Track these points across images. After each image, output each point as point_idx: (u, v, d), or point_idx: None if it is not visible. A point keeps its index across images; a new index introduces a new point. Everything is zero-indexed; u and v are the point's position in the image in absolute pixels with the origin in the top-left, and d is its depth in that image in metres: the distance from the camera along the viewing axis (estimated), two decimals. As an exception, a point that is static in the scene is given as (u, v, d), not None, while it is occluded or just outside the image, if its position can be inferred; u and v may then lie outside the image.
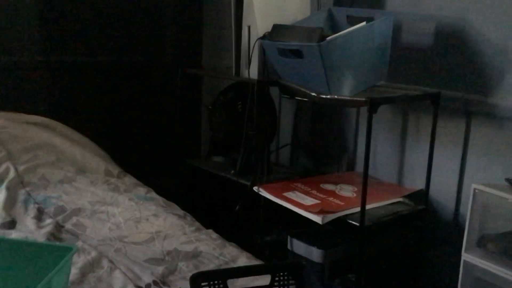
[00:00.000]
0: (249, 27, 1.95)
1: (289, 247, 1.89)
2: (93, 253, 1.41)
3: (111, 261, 1.39)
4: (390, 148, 2.02)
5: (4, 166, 1.93)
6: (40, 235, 1.52)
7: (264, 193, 1.90)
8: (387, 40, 1.77)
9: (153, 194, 1.95)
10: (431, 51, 1.85)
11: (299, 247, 1.85)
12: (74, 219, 1.67)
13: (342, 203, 1.77)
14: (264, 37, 1.85)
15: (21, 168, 1.94)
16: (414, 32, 1.89)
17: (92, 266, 1.36)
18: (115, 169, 2.16)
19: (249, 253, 1.52)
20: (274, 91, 2.19)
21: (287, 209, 1.78)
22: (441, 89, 1.79)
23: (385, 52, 1.78)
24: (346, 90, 1.69)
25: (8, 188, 1.81)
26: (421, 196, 1.84)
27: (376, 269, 1.82)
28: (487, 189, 1.44)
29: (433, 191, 1.85)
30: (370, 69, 1.76)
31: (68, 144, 2.17)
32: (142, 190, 1.99)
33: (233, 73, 2.09)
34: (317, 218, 1.66)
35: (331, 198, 1.82)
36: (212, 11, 2.81)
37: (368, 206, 1.65)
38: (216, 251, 1.50)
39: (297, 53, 1.69)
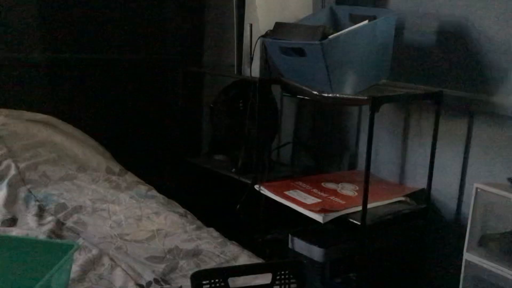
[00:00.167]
0: (251, 25, 1.94)
1: (290, 245, 1.89)
2: (94, 251, 1.41)
3: (112, 259, 1.38)
4: (392, 146, 2.02)
5: (5, 163, 1.92)
6: (41, 233, 1.52)
7: (265, 191, 1.90)
8: (390, 38, 1.77)
9: (154, 192, 1.95)
10: (434, 50, 1.84)
11: (300, 245, 1.85)
12: (75, 217, 1.67)
13: (344, 202, 1.76)
14: (266, 35, 1.84)
15: (22, 165, 1.94)
16: (417, 30, 1.88)
17: (93, 263, 1.35)
18: (116, 167, 2.16)
19: (250, 251, 1.52)
20: (276, 89, 2.18)
21: (288, 207, 1.78)
22: (443, 88, 1.79)
23: (388, 50, 1.78)
24: (348, 89, 1.69)
25: (9, 186, 1.80)
26: (423, 195, 1.84)
27: (377, 268, 1.82)
28: (489, 189, 1.43)
29: (435, 190, 1.85)
30: (373, 68, 1.76)
31: (69, 142, 2.17)
32: (143, 188, 1.98)
33: (235, 71, 2.09)
34: (318, 217, 1.66)
35: (332, 197, 1.82)
36: (214, 9, 2.81)
37: (369, 205, 1.65)
38: (217, 250, 1.49)
39: (299, 51, 1.68)
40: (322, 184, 1.95)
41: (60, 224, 1.61)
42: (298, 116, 2.41)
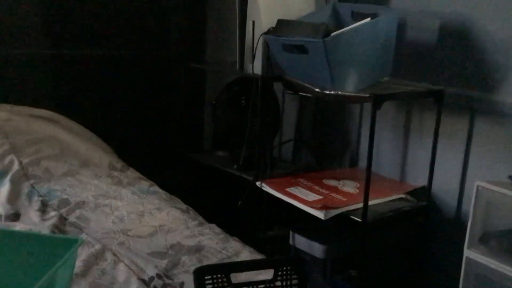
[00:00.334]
0: (253, 22, 1.94)
1: (291, 242, 1.90)
2: (97, 246, 1.42)
3: (114, 254, 1.39)
4: (393, 144, 2.02)
5: (8, 158, 1.93)
6: (44, 228, 1.53)
7: (266, 188, 1.91)
8: (392, 36, 1.77)
9: (156, 188, 1.96)
10: (436, 48, 1.85)
11: (301, 242, 1.86)
12: (78, 212, 1.68)
13: (345, 199, 1.77)
14: (268, 32, 1.84)
15: (25, 161, 1.95)
16: (419, 28, 1.89)
17: (96, 258, 1.36)
18: (118, 163, 2.17)
19: (251, 247, 1.53)
20: (278, 86, 2.19)
21: (289, 204, 1.79)
22: (445, 86, 1.79)
23: (390, 48, 1.78)
24: (350, 86, 1.69)
25: (12, 181, 1.81)
26: (424, 193, 1.84)
27: (378, 265, 1.83)
28: (490, 186, 1.44)
29: (436, 188, 1.85)
30: (374, 65, 1.76)
31: (72, 138, 2.18)
32: (145, 183, 1.99)
33: (237, 68, 2.09)
34: (319, 214, 1.66)
35: (333, 194, 1.82)
36: (216, 6, 2.81)
37: (370, 202, 1.65)
38: (219, 246, 1.50)
39: (301, 49, 1.69)
40: (324, 181, 1.96)
41: (63, 219, 1.62)
42: (300, 113, 2.41)
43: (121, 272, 1.31)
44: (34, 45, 2.41)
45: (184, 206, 1.81)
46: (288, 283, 1.18)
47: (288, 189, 1.86)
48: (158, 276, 1.31)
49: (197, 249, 1.47)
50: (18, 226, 1.55)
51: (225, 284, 1.14)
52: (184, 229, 1.60)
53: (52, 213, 1.65)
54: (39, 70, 2.43)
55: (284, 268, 1.17)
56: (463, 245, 1.51)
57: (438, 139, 1.79)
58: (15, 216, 1.63)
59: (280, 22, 1.81)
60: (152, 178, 2.09)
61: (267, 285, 1.17)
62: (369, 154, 1.62)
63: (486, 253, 1.45)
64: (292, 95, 2.35)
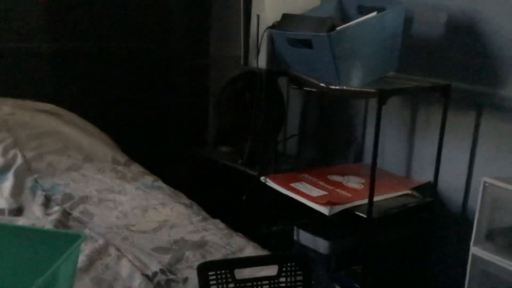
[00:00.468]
0: (258, 16, 1.93)
1: (295, 237, 1.89)
2: (101, 241, 1.41)
3: (118, 249, 1.39)
4: (399, 140, 2.01)
5: (11, 153, 1.93)
6: (47, 222, 1.52)
7: (271, 183, 1.90)
8: (398, 30, 1.75)
9: (160, 183, 1.95)
10: (442, 42, 1.83)
11: (305, 238, 1.85)
12: (82, 207, 1.67)
13: (350, 195, 1.76)
14: (273, 27, 1.83)
15: (28, 155, 1.94)
16: (425, 23, 1.87)
17: (99, 253, 1.36)
18: (122, 158, 2.16)
19: (255, 243, 1.52)
20: (283, 81, 2.17)
21: (294, 199, 1.78)
22: (451, 81, 1.77)
23: (396, 42, 1.77)
24: (355, 81, 1.68)
25: (15, 175, 1.81)
26: (430, 189, 1.83)
27: (382, 261, 1.82)
28: (497, 183, 1.42)
29: (442, 184, 1.84)
30: (380, 60, 1.75)
31: (76, 132, 2.17)
32: (149, 178, 1.99)
33: (241, 63, 2.08)
34: (324, 210, 1.65)
35: (338, 190, 1.81)
36: (221, 0, 2.79)
37: (375, 198, 1.64)
38: (222, 241, 1.50)
39: (306, 43, 1.67)
40: (328, 176, 1.95)
41: (66, 214, 1.62)
42: (305, 108, 2.40)
43: (125, 268, 1.30)
44: (37, 39, 2.40)
45: (188, 201, 1.81)
46: (293, 279, 1.17)
47: (292, 185, 1.85)
48: (162, 271, 1.30)
49: (201, 245, 1.46)
50: (21, 221, 1.54)
51: (229, 280, 1.13)
52: (188, 224, 1.59)
53: (56, 208, 1.64)
54: (42, 65, 2.42)
55: (289, 264, 1.17)
56: (469, 241, 1.50)
57: (444, 135, 1.78)
58: (19, 211, 1.62)
59: (285, 16, 1.80)
60: (156, 173, 2.08)
61: (271, 281, 1.16)
62: (374, 149, 1.60)
63: (492, 250, 1.44)
64: (296, 90, 2.33)
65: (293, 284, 1.17)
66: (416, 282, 1.91)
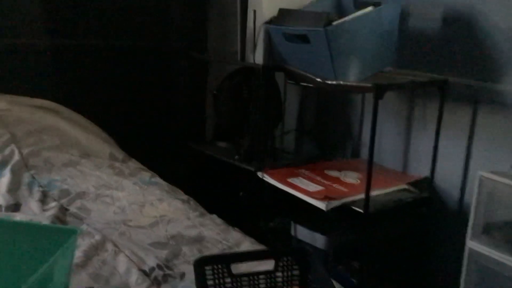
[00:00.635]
0: (254, 12, 1.93)
1: (292, 233, 1.90)
2: (98, 237, 1.41)
3: (115, 245, 1.39)
4: (396, 135, 2.01)
5: (8, 149, 1.92)
6: (44, 218, 1.52)
7: (268, 179, 1.90)
8: (395, 25, 1.75)
9: (157, 179, 1.95)
10: (439, 37, 1.83)
11: (302, 233, 1.85)
12: (79, 203, 1.67)
13: (347, 190, 1.76)
14: (270, 22, 1.83)
15: (25, 151, 1.94)
16: (422, 17, 1.87)
17: (96, 249, 1.36)
18: (119, 154, 2.16)
19: (253, 238, 1.52)
20: (280, 76, 2.17)
21: (291, 195, 1.78)
22: (448, 76, 1.77)
23: (392, 37, 1.77)
24: (352, 76, 1.68)
25: (12, 171, 1.81)
26: (426, 184, 1.83)
27: (379, 256, 1.82)
28: (493, 177, 1.43)
29: (438, 179, 1.84)
30: (377, 55, 1.75)
31: (73, 128, 2.17)
32: (146, 174, 1.99)
33: (239, 58, 2.08)
34: (321, 205, 1.66)
35: (335, 185, 1.82)
36: (217, -5, 2.79)
37: (372, 193, 1.65)
38: (220, 236, 1.50)
39: (303, 38, 1.67)
40: (325, 172, 1.95)
41: (63, 209, 1.62)
42: (302, 103, 2.40)
43: (122, 263, 1.30)
44: (35, 35, 2.39)
45: (185, 197, 1.81)
46: (289, 273, 1.17)
47: (289, 180, 1.85)
48: (159, 266, 1.30)
49: (198, 240, 1.46)
50: (18, 217, 1.54)
51: (226, 274, 1.13)
52: (185, 219, 1.59)
53: (53, 204, 1.64)
54: (39, 60, 2.42)
55: (285, 258, 1.16)
56: (466, 236, 1.50)
57: (441, 129, 1.78)
58: (16, 207, 1.62)
59: (282, 12, 1.80)
60: (153, 169, 2.08)
61: (268, 275, 1.16)
62: (371, 144, 1.61)
63: (488, 244, 1.44)
64: (294, 85, 2.33)
65: (290, 278, 1.17)
66: (413, 276, 1.91)
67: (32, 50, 2.40)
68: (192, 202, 1.77)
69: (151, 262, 1.32)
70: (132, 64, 2.68)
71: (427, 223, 1.86)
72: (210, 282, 1.12)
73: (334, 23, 1.60)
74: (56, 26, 2.44)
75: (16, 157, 1.89)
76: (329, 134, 2.30)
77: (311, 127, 2.38)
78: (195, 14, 2.85)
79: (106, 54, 2.59)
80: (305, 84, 1.89)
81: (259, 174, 1.94)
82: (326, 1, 1.89)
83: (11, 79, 2.33)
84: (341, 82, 1.66)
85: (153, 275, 1.27)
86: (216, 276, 1.12)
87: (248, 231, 1.58)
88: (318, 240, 1.79)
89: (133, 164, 2.10)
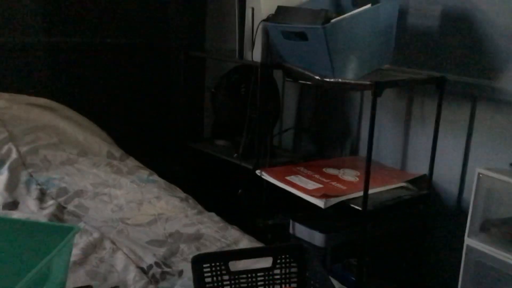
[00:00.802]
0: (252, 9, 1.92)
1: (291, 231, 1.89)
2: (95, 234, 1.41)
3: (113, 242, 1.39)
4: (394, 132, 2.01)
5: (6, 147, 1.92)
6: (42, 216, 1.52)
7: (266, 176, 1.90)
8: (393, 22, 1.75)
9: (155, 177, 1.95)
10: (437, 35, 1.83)
11: (301, 231, 1.85)
12: (76, 201, 1.67)
13: (345, 188, 1.76)
14: (268, 19, 1.83)
15: (23, 149, 1.94)
16: (420, 15, 1.87)
17: (94, 247, 1.36)
18: (117, 152, 2.16)
19: (251, 236, 1.52)
20: (278, 74, 2.17)
21: (289, 193, 1.78)
22: (446, 73, 1.77)
23: (391, 35, 1.76)
24: (350, 73, 1.67)
25: (10, 169, 1.81)
26: (425, 181, 1.83)
27: (378, 253, 1.82)
28: (491, 174, 1.43)
29: (437, 176, 1.84)
30: (375, 52, 1.74)
31: (71, 126, 2.17)
32: (144, 172, 1.99)
33: (237, 56, 2.07)
34: (319, 202, 1.66)
35: (333, 182, 1.81)
36: (215, -7, 2.78)
37: (370, 191, 1.64)
38: (218, 234, 1.50)
39: (301, 36, 1.67)
40: (324, 169, 1.95)
41: (61, 208, 1.62)
42: (300, 101, 2.40)
43: (120, 260, 1.30)
44: (33, 33, 2.39)
45: (183, 195, 1.81)
46: (287, 270, 1.17)
47: (288, 178, 1.85)
48: (157, 264, 1.30)
49: (196, 237, 1.46)
50: (16, 215, 1.54)
51: (224, 272, 1.13)
52: (183, 217, 1.59)
53: (51, 202, 1.64)
54: (37, 59, 2.41)
55: (283, 256, 1.16)
56: (464, 233, 1.50)
57: (439, 127, 1.78)
58: (13, 205, 1.62)
59: (280, 9, 1.79)
60: (151, 166, 2.08)
61: (266, 273, 1.16)
62: (369, 142, 1.60)
63: (486, 241, 1.44)
64: (292, 83, 2.33)
65: (287, 276, 1.17)
66: (412, 273, 1.91)
67: (30, 48, 2.39)
68: (190, 200, 1.77)
69: (149, 259, 1.32)
70: (130, 62, 2.68)
71: (426, 220, 1.86)
72: (208, 280, 1.12)
73: (332, 20, 1.60)
74: (53, 24, 2.43)
75: (14, 155, 1.89)
76: (328, 132, 2.30)
77: (309, 125, 2.38)
78: (193, 11, 2.84)
79: (104, 52, 2.59)
80: (303, 81, 1.89)
81: (258, 172, 1.94)
82: (324, -1, 1.89)
83: (9, 77, 2.33)
84: (339, 80, 1.66)
85: (151, 272, 1.27)
86: (214, 273, 1.12)
87: (246, 229, 1.58)
88: (316, 237, 1.79)
89: (131, 162, 2.10)
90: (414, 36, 1.89)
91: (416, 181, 1.85)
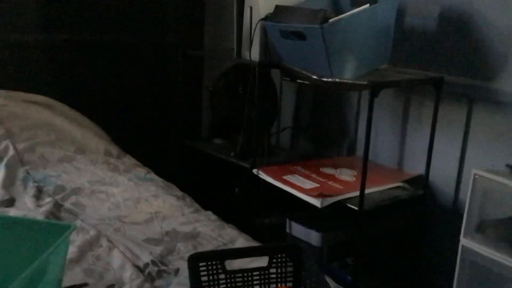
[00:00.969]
0: (251, 8, 1.92)
1: (287, 230, 1.90)
2: (92, 232, 1.41)
3: (110, 240, 1.39)
4: (391, 132, 2.02)
5: (3, 144, 1.92)
6: (39, 214, 1.52)
7: (263, 176, 1.90)
8: (391, 23, 1.75)
9: (153, 175, 1.95)
10: (435, 35, 1.83)
11: (297, 230, 1.85)
12: (73, 198, 1.67)
13: (342, 187, 1.76)
14: (266, 18, 1.83)
15: (20, 146, 1.94)
16: (418, 15, 1.87)
17: (90, 245, 1.36)
18: (114, 150, 2.16)
19: (247, 235, 1.52)
20: (276, 73, 2.17)
21: (286, 192, 1.78)
22: (444, 74, 1.78)
23: (389, 35, 1.77)
24: (348, 73, 1.68)
25: (7, 166, 1.80)
26: (421, 181, 1.84)
27: (374, 253, 1.83)
28: (487, 175, 1.43)
29: (433, 176, 1.84)
30: (373, 52, 1.75)
31: (68, 124, 2.17)
32: (141, 170, 1.99)
33: (235, 55, 2.08)
34: (316, 202, 1.66)
35: (330, 182, 1.82)
36: (214, -9, 2.78)
37: (367, 191, 1.65)
38: (214, 232, 1.50)
39: (299, 35, 1.67)
40: (321, 169, 1.95)
41: (58, 205, 1.61)
42: (298, 100, 2.40)
43: (116, 259, 1.30)
44: (30, 30, 2.38)
45: (180, 193, 1.81)
46: (283, 270, 1.17)
47: (285, 177, 1.85)
48: (153, 262, 1.30)
49: (193, 236, 1.46)
50: (12, 212, 1.54)
51: (220, 271, 1.13)
52: (180, 216, 1.59)
53: (47, 199, 1.64)
54: (34, 56, 2.41)
55: (279, 255, 1.17)
56: (459, 233, 1.51)
57: (436, 127, 1.78)
58: (10, 202, 1.62)
59: (278, 8, 1.79)
60: (149, 164, 2.08)
61: (262, 272, 1.16)
62: (366, 142, 1.61)
63: (482, 241, 1.45)
64: (290, 83, 2.33)
65: (283, 275, 1.17)
66: (407, 273, 1.92)
67: (28, 45, 2.39)
68: (187, 198, 1.77)
69: (145, 258, 1.32)
70: (128, 60, 2.67)
71: (422, 220, 1.87)
72: (204, 279, 1.12)
73: (331, 20, 1.60)
74: (51, 22, 2.43)
75: (11, 152, 1.89)
76: (325, 132, 2.30)
77: (306, 125, 2.38)
78: (191, 10, 2.84)
79: (101, 49, 2.59)
80: (301, 81, 1.89)
81: (255, 171, 1.94)
82: (323, -2, 1.89)
83: (6, 75, 2.32)
84: (337, 80, 1.66)
85: (147, 271, 1.27)
86: (210, 272, 1.13)
87: (243, 228, 1.58)
88: (313, 237, 1.79)
89: (128, 160, 2.10)
90: (412, 36, 1.89)
91: (412, 181, 1.86)
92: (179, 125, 2.49)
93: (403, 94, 1.96)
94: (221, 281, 1.14)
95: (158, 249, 1.37)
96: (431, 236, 1.89)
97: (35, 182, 1.76)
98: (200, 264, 1.12)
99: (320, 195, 1.68)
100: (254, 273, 1.16)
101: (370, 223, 1.72)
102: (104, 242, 1.38)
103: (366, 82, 1.59)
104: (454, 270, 1.54)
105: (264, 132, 2.09)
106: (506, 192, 1.41)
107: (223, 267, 1.14)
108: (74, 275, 1.21)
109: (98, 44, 2.58)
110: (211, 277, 1.13)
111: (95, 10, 2.54)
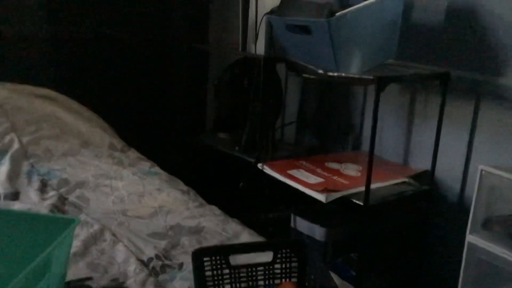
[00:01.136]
0: (256, 2, 1.92)
1: (292, 225, 1.89)
2: (96, 226, 1.41)
3: (114, 234, 1.39)
4: (397, 127, 2.00)
5: (8, 137, 1.92)
6: (43, 207, 1.52)
7: (268, 170, 1.89)
8: (398, 17, 1.74)
9: (157, 169, 1.95)
10: (442, 30, 1.81)
11: (302, 225, 1.85)
12: (78, 192, 1.67)
13: (347, 182, 1.76)
14: (271, 12, 1.82)
15: (25, 139, 1.94)
16: (425, 10, 1.85)
17: (95, 238, 1.36)
18: (119, 143, 2.16)
19: (252, 230, 1.52)
20: (281, 67, 2.16)
21: (291, 187, 1.77)
22: (450, 69, 1.76)
23: (395, 29, 1.75)
24: (354, 68, 1.67)
25: (12, 160, 1.81)
26: (427, 177, 1.83)
27: (379, 248, 1.82)
28: (494, 171, 1.42)
29: (439, 172, 1.83)
30: (379, 47, 1.73)
31: (73, 117, 2.17)
32: (146, 164, 1.98)
33: (240, 49, 2.07)
34: (321, 197, 1.65)
35: (335, 177, 1.81)
36: (219, -15, 2.77)
37: (372, 186, 1.64)
38: (219, 227, 1.49)
39: (305, 29, 1.66)
40: (326, 164, 1.94)
41: (62, 199, 1.62)
42: (303, 95, 2.39)
43: (120, 253, 1.30)
44: (36, 24, 2.38)
45: (184, 187, 1.80)
46: (288, 265, 1.17)
47: (289, 172, 1.84)
48: (157, 256, 1.30)
49: (197, 231, 1.46)
50: (17, 205, 1.54)
51: (224, 266, 1.13)
52: (184, 210, 1.59)
53: (52, 193, 1.64)
54: (40, 49, 2.41)
55: (284, 250, 1.16)
56: (465, 230, 1.50)
57: (442, 123, 1.77)
58: (15, 195, 1.62)
59: (284, 2, 1.78)
60: (153, 158, 2.08)
61: (266, 267, 1.16)
62: (372, 137, 1.60)
63: (488, 238, 1.44)
64: (295, 77, 2.32)
65: (288, 270, 1.17)
66: (412, 269, 1.91)
67: (33, 38, 2.39)
68: (192, 192, 1.77)
69: (149, 252, 1.32)
70: (133, 55, 2.67)
71: (427, 216, 1.86)
72: (208, 273, 1.12)
73: (337, 14, 1.58)
74: (56, 16, 2.42)
75: (16, 145, 1.89)
76: (330, 126, 2.29)
77: (312, 119, 2.37)
78: (196, 4, 2.83)
79: (106, 44, 2.58)
80: (306, 75, 1.87)
81: (259, 165, 1.94)
82: (329, -8, 1.88)
83: (11, 68, 2.32)
84: (343, 74, 1.65)
85: (151, 265, 1.27)
86: (214, 267, 1.12)
87: (247, 223, 1.58)
88: (317, 232, 1.79)
89: (133, 154, 2.10)
90: (418, 31, 1.88)
91: (418, 176, 1.84)
92: (183, 119, 2.48)
93: (410, 89, 1.95)
94: (225, 276, 1.13)
95: (162, 243, 1.37)
96: (436, 232, 1.88)
97: (40, 175, 1.76)
98: (205, 259, 1.11)
99: (325, 190, 1.67)
100: (259, 268, 1.16)
101: (375, 218, 1.71)
102: (108, 236, 1.38)
103: (372, 77, 1.58)
104: (459, 267, 1.53)
105: (269, 127, 2.09)
106: (513, 188, 1.40)
107: (227, 262, 1.13)
108: (78, 269, 1.21)
109: (103, 38, 2.57)
110: (215, 272, 1.12)
111: (101, 4, 2.53)
